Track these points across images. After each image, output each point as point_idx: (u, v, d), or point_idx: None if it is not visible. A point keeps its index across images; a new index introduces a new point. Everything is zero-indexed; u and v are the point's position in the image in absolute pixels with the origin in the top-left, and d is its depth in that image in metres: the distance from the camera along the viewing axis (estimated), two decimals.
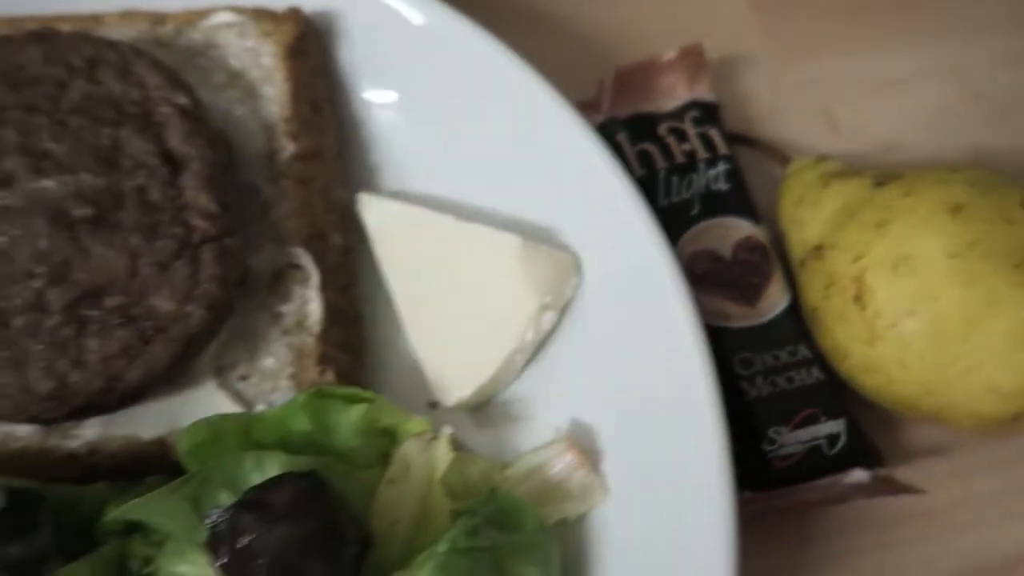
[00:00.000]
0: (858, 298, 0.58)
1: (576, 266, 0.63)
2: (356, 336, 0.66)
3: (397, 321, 0.67)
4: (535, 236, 0.64)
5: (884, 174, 0.65)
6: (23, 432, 0.58)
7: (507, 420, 0.64)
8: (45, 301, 0.56)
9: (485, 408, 0.65)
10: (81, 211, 0.57)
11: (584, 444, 0.59)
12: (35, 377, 0.54)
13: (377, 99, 0.72)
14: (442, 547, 0.50)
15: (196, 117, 0.61)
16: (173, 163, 0.60)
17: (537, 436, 0.62)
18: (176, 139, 0.61)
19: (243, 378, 0.63)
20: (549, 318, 0.62)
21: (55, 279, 0.56)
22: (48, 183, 0.58)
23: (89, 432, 0.59)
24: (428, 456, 0.56)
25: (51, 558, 0.54)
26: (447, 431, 0.57)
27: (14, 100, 0.59)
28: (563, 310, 0.64)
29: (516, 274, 0.61)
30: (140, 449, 0.59)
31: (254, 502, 0.52)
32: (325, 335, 0.63)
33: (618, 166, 0.63)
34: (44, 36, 0.61)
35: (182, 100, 0.61)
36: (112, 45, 0.62)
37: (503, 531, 0.53)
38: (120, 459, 0.59)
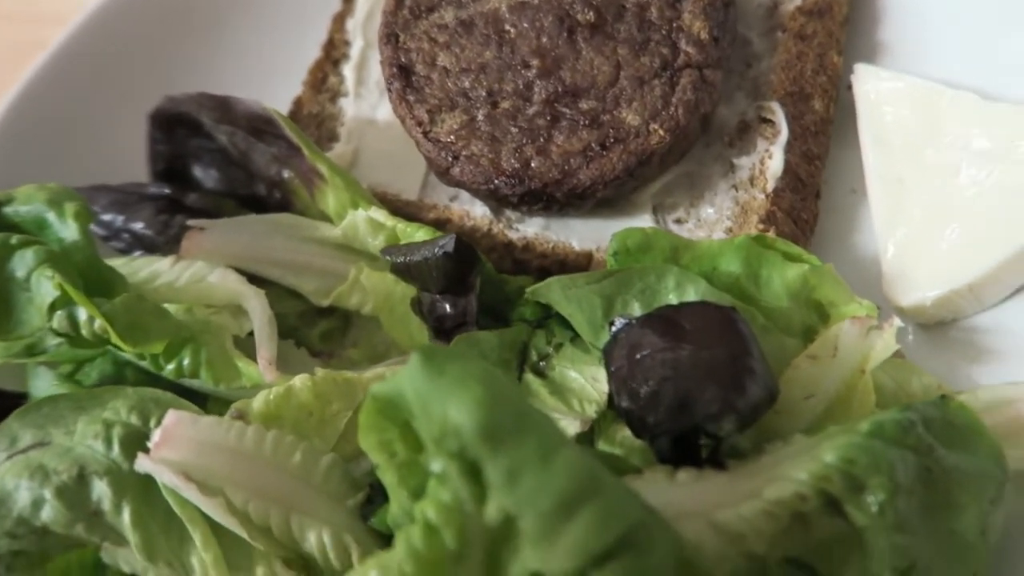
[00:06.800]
0: None
1: None
2: (808, 210, 0.59)
3: (855, 211, 0.59)
4: None
5: None
6: (477, 213, 0.63)
7: (967, 346, 0.52)
8: (531, 91, 0.59)
9: (942, 327, 0.53)
10: (584, 15, 0.60)
11: None
12: (506, 153, 0.58)
13: None
14: (864, 427, 0.42)
15: None
16: None
17: (1004, 375, 0.49)
18: None
19: (679, 221, 0.61)
20: None
21: (544, 73, 0.59)
22: None
23: (530, 229, 0.62)
24: (865, 344, 0.48)
25: (469, 323, 0.58)
26: (896, 323, 0.47)
27: None
28: None
29: None
30: (568, 256, 0.61)
31: (664, 319, 0.49)
32: (777, 196, 0.58)
33: None
34: None
35: None
36: None
37: (946, 447, 0.43)
38: (547, 261, 0.61)
